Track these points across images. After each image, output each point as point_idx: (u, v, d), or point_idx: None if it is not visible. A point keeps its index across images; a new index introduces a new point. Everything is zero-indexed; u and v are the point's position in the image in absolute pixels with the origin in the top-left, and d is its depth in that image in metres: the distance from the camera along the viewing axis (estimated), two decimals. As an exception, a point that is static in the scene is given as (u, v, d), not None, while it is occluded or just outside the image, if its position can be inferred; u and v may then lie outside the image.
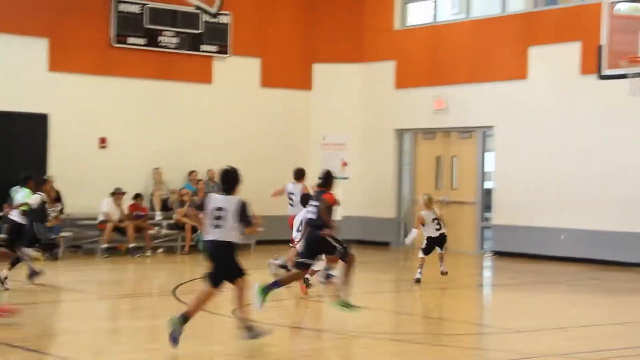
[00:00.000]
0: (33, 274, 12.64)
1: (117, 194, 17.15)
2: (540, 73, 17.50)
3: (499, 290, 13.60)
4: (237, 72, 19.68)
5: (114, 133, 18.24)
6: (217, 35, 19.29)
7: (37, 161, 17.10)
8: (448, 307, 11.88)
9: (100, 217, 17.10)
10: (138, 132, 18.47)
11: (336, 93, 20.54)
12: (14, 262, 12.45)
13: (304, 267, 10.53)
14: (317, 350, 9.06)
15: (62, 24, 17.60)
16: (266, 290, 9.87)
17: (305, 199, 11.79)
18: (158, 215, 18.09)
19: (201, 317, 9.09)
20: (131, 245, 17.02)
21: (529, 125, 17.58)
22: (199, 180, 18.74)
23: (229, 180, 8.86)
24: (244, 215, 8.63)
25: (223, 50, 19.39)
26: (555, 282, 12.57)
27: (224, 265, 8.68)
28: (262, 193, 19.86)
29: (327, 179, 10.65)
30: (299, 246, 11.24)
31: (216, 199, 8.80)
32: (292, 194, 13.88)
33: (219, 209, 8.72)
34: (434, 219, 13.55)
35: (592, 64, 14.27)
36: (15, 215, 12.81)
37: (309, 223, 10.50)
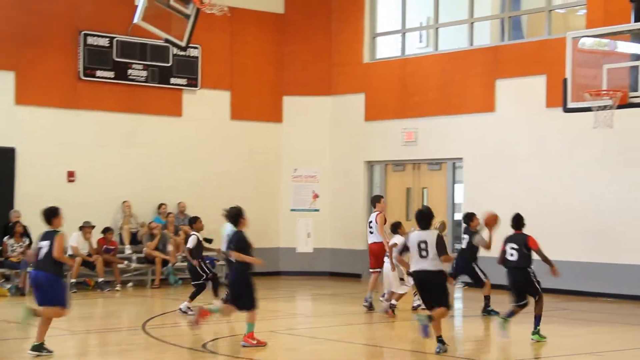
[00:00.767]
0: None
1: (85, 228, 17.01)
2: (507, 106, 17.71)
3: (470, 321, 13.61)
4: (207, 105, 19.71)
5: (83, 166, 18.14)
6: (187, 69, 19.33)
7: (4, 195, 16.95)
8: (420, 338, 11.87)
9: (69, 252, 16.94)
10: (107, 166, 18.38)
11: (307, 125, 20.62)
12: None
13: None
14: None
15: (28, 56, 17.54)
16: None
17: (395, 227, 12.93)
18: (127, 249, 17.96)
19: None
20: (100, 279, 16.86)
21: (497, 157, 17.76)
22: (169, 213, 18.65)
23: (426, 218, 10.47)
24: (441, 246, 10.20)
25: (193, 84, 19.42)
26: (525, 312, 12.62)
27: (437, 292, 10.24)
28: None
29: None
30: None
31: (418, 235, 10.34)
32: (371, 222, 14.21)
33: (423, 242, 10.22)
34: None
35: (558, 97, 14.47)
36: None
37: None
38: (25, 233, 16.55)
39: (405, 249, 10.45)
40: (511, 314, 11.17)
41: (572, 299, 15.55)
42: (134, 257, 17.90)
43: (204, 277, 13.81)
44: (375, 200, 14.76)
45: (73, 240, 16.89)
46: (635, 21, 13.87)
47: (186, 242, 14.11)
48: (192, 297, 13.69)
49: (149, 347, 10.87)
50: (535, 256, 11.15)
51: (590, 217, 16.20)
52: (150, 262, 17.83)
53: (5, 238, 16.49)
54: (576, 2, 17.34)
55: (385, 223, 14.07)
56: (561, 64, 14.07)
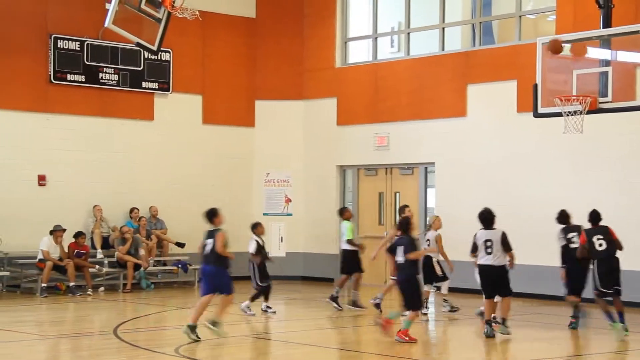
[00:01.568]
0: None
1: (56, 232, 16.87)
2: (478, 111, 17.85)
3: (441, 325, 13.69)
4: (178, 109, 19.65)
5: (54, 170, 18.01)
6: (158, 73, 19.26)
7: (-26, 199, 16.77)
8: (392, 343, 11.93)
9: (39, 256, 16.81)
10: (78, 169, 18.27)
11: (279, 130, 20.64)
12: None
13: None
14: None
15: (-1, 60, 17.41)
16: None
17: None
18: (99, 253, 17.85)
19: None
20: (72, 284, 16.74)
21: (468, 161, 17.89)
22: (141, 217, 18.57)
23: (489, 218, 11.71)
24: (506, 244, 11.51)
25: (164, 87, 19.37)
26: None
27: (501, 284, 11.56)
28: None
29: None
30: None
31: (485, 234, 11.67)
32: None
33: (488, 240, 11.55)
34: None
35: (528, 102, 14.59)
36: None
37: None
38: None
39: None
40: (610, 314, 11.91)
41: (547, 302, 15.68)
42: (106, 261, 17.80)
43: (265, 282, 14.19)
44: (400, 211, 14.96)
45: (43, 244, 16.75)
46: (604, 27, 14.06)
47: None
48: (267, 297, 14.26)
49: (121, 351, 10.82)
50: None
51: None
52: (122, 267, 17.74)
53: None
54: (546, 8, 17.53)
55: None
56: (532, 70, 14.21)
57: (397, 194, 19.34)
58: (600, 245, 11.89)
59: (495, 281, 11.59)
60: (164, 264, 18.86)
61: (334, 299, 14.85)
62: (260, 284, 14.17)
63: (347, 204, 20.24)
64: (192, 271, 18.74)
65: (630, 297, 13.47)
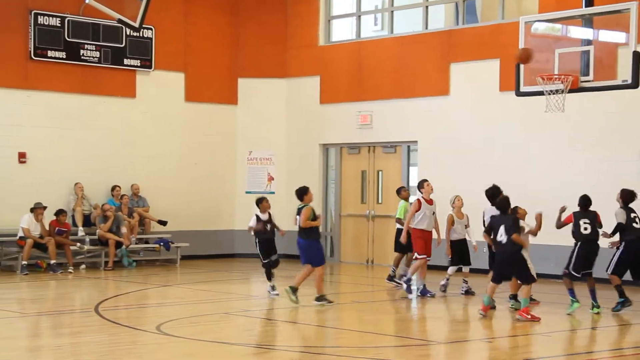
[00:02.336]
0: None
1: (37, 209, 16.78)
2: (461, 89, 17.86)
3: (426, 302, 13.75)
4: (161, 86, 19.55)
5: (34, 148, 17.90)
6: (140, 50, 19.14)
7: (-47, 176, 16.64)
8: (372, 320, 11.98)
9: (20, 233, 16.73)
10: (59, 147, 18.16)
11: (262, 108, 20.58)
12: None
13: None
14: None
15: (-21, 36, 17.24)
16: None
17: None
18: (80, 231, 17.80)
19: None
20: (52, 261, 16.69)
21: (451, 140, 17.92)
22: (123, 195, 18.51)
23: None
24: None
25: (146, 65, 19.24)
26: (480, 294, 12.82)
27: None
28: (189, 208, 19.79)
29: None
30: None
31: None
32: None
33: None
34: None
35: (511, 81, 14.61)
36: None
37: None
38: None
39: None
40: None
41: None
42: (87, 239, 17.74)
43: (267, 258, 13.69)
44: (419, 186, 14.12)
45: (24, 222, 16.68)
46: (586, 6, 14.07)
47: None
48: (270, 277, 13.70)
49: (102, 328, 10.81)
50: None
51: (543, 199, 16.40)
52: (104, 244, 17.70)
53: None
54: (529, -13, 17.51)
55: (419, 208, 13.66)
56: (514, 48, 14.21)
57: (380, 173, 19.36)
58: (586, 229, 12.19)
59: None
60: (146, 242, 18.84)
61: (391, 278, 14.82)
62: (263, 260, 13.72)
63: (330, 182, 20.26)
64: (174, 249, 18.73)
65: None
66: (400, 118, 18.69)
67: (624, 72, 13.04)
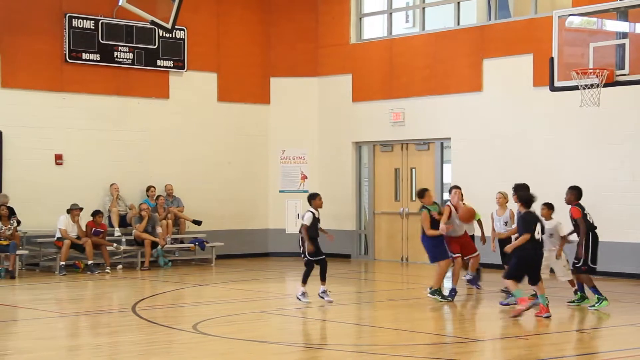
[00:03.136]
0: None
1: (73, 211, 16.98)
2: (494, 85, 17.75)
3: (463, 301, 13.68)
4: (194, 87, 19.67)
5: (70, 149, 18.10)
6: (173, 51, 19.27)
7: (-9, 179, 16.88)
8: (407, 318, 11.96)
9: (57, 234, 16.93)
10: (94, 148, 18.35)
11: (294, 107, 20.62)
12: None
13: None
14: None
15: (14, 39, 17.45)
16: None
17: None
18: (117, 232, 17.96)
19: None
20: (90, 262, 16.87)
21: (485, 136, 17.82)
22: (159, 196, 18.65)
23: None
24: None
25: (179, 65, 19.37)
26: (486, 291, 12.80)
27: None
28: (222, 208, 19.90)
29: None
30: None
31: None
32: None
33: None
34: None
35: (544, 76, 14.48)
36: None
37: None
38: (12, 216, 16.47)
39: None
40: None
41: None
42: (123, 239, 17.91)
43: (319, 256, 12.80)
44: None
45: (61, 223, 16.87)
46: (621, -1, 13.91)
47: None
48: (306, 279, 12.77)
49: (140, 328, 10.91)
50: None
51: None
52: (140, 244, 17.84)
53: (-7, 222, 16.42)
54: (562, -19, 17.34)
55: (450, 215, 13.30)
56: (548, 43, 14.10)
57: (413, 170, 19.31)
58: (591, 218, 12.23)
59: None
60: (181, 242, 18.97)
61: (469, 281, 14.09)
62: (311, 258, 12.70)
63: (363, 180, 20.24)
64: (209, 249, 18.84)
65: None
66: (433, 115, 18.63)
67: (660, 66, 12.88)
